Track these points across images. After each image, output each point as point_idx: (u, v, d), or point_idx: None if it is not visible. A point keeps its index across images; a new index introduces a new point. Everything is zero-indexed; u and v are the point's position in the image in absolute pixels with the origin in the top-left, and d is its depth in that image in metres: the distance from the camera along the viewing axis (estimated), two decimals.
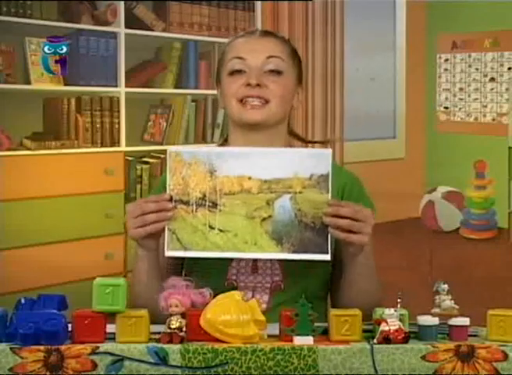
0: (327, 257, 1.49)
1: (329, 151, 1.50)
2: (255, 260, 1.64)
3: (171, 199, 1.50)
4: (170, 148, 1.53)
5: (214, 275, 1.62)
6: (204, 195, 1.50)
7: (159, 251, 1.56)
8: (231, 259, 1.64)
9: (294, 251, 1.50)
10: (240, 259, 1.64)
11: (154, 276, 1.57)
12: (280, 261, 1.63)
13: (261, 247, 1.50)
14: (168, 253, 1.51)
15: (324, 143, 1.95)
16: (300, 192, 1.49)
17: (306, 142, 1.91)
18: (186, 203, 1.50)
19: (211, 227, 1.50)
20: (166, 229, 1.51)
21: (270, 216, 1.50)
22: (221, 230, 1.50)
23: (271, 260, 1.64)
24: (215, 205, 1.50)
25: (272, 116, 1.68)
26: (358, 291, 1.61)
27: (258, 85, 1.65)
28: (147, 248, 1.55)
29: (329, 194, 1.49)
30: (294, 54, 1.75)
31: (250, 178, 1.50)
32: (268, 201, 1.50)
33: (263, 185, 1.49)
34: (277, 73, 1.68)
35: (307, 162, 1.49)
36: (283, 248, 1.50)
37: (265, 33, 1.75)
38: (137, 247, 1.57)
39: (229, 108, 1.70)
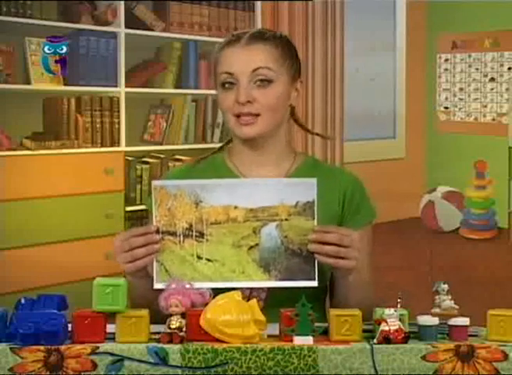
0: (314, 283, 1.49)
1: (314, 180, 1.49)
2: None
3: (157, 231, 1.50)
4: (154, 182, 1.52)
5: None
6: (191, 226, 1.50)
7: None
8: None
9: (281, 279, 1.50)
10: None
11: (153, 297, 1.57)
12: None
13: (248, 275, 1.50)
14: (157, 285, 1.50)
15: (324, 138, 1.95)
16: (286, 219, 1.49)
17: (308, 132, 1.91)
18: (173, 234, 1.50)
19: (199, 257, 1.50)
20: (154, 261, 1.50)
21: (257, 244, 1.50)
22: (208, 260, 1.50)
23: None
24: (201, 235, 1.50)
25: (265, 128, 1.69)
26: (352, 301, 1.61)
27: (249, 101, 1.65)
28: (138, 277, 1.55)
29: (315, 221, 1.49)
30: (286, 53, 1.72)
31: (236, 207, 1.49)
32: (254, 230, 1.50)
33: (249, 213, 1.49)
34: (267, 82, 1.67)
35: (292, 191, 1.49)
36: (271, 276, 1.50)
37: (252, 39, 1.70)
38: (128, 276, 1.57)
39: (227, 122, 1.72)
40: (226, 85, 1.68)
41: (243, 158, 1.76)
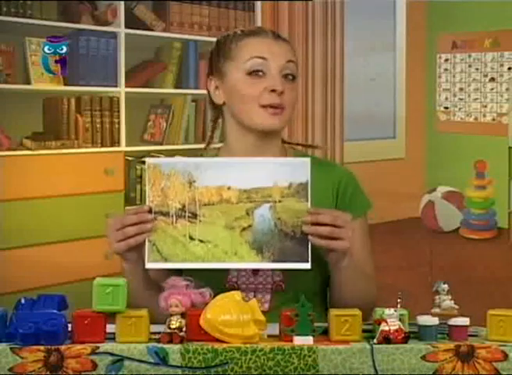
0: (307, 265, 1.49)
1: (308, 159, 1.49)
2: None
3: (150, 211, 1.50)
4: (148, 160, 1.52)
5: (214, 277, 1.61)
6: (184, 206, 1.50)
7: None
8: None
9: (274, 260, 1.50)
10: None
11: (146, 288, 1.56)
12: None
13: (241, 257, 1.50)
14: (148, 265, 1.51)
15: (308, 147, 1.94)
16: (279, 201, 1.49)
17: (291, 144, 1.90)
18: (166, 214, 1.50)
19: (191, 238, 1.50)
20: (146, 240, 1.50)
21: (250, 226, 1.50)
22: (201, 241, 1.50)
23: None
24: (194, 215, 1.50)
25: (285, 123, 1.69)
26: (350, 293, 1.60)
27: (282, 92, 1.64)
28: (130, 260, 1.55)
29: (309, 203, 1.49)
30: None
31: (229, 188, 1.49)
32: (247, 211, 1.49)
33: (242, 195, 1.49)
34: (292, 78, 1.68)
35: (286, 171, 1.49)
36: (263, 258, 1.50)
37: (278, 36, 1.71)
38: (122, 261, 1.57)
39: (246, 112, 1.67)
40: (255, 73, 1.65)
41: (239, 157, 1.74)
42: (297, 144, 1.91)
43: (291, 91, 1.67)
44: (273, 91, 1.63)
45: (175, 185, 1.50)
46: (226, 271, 1.65)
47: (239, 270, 1.64)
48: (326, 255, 1.55)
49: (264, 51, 1.66)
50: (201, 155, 1.78)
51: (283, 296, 1.63)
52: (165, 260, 1.50)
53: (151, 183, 1.50)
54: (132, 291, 1.49)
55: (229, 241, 1.50)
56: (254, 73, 1.65)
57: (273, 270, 1.64)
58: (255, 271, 1.65)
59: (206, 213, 1.50)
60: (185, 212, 1.50)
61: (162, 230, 1.50)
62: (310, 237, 1.49)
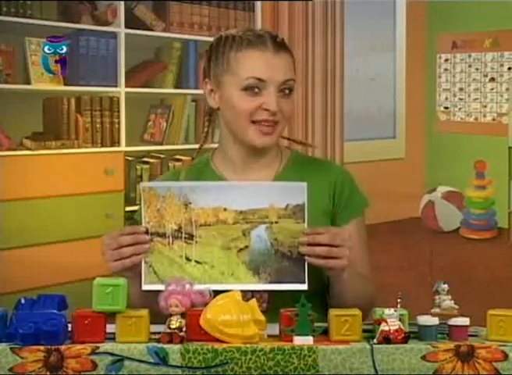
0: (304, 286, 1.49)
1: (304, 184, 1.48)
2: None
3: (147, 232, 1.49)
4: (142, 184, 1.52)
5: None
6: (180, 227, 1.49)
7: None
8: None
9: (271, 281, 1.50)
10: None
11: (146, 296, 1.56)
12: None
13: (237, 278, 1.49)
14: (145, 287, 1.50)
15: (306, 145, 1.93)
16: (276, 222, 1.48)
17: (291, 140, 1.90)
18: (163, 235, 1.49)
19: (188, 259, 1.49)
20: (143, 262, 1.49)
21: (246, 247, 1.49)
22: (197, 262, 1.49)
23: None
24: (191, 236, 1.49)
25: (278, 136, 1.69)
26: (350, 298, 1.60)
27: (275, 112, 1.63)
28: (127, 277, 1.54)
29: (305, 224, 1.48)
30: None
31: (225, 209, 1.49)
32: (244, 232, 1.49)
33: (239, 216, 1.48)
34: (289, 91, 1.66)
35: (282, 193, 1.48)
36: (260, 279, 1.49)
37: (279, 47, 1.67)
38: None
39: (238, 128, 1.66)
40: (250, 89, 1.63)
41: (234, 164, 1.73)
42: (294, 141, 1.90)
43: (286, 104, 1.65)
44: (267, 109, 1.63)
45: (171, 206, 1.49)
46: None
47: None
48: (325, 271, 1.55)
49: (262, 71, 1.63)
50: (193, 158, 1.79)
51: (282, 296, 1.63)
52: (162, 282, 1.46)
53: (147, 205, 1.49)
54: (132, 300, 1.49)
55: (226, 262, 1.49)
56: (250, 89, 1.64)
57: None
58: None
59: (202, 234, 1.49)
60: (181, 233, 1.49)
61: (159, 251, 1.49)
62: (307, 257, 1.48)
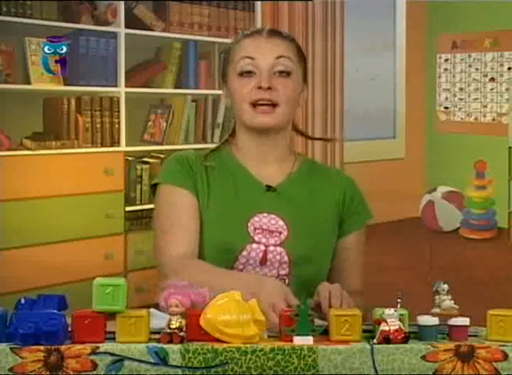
0: None
1: None
2: (265, 252, 1.65)
3: None
4: None
5: (223, 263, 1.64)
6: None
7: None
8: (242, 249, 1.66)
9: None
10: (251, 250, 1.66)
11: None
12: (289, 256, 1.66)
13: None
14: None
15: (326, 140, 1.96)
16: None
17: (309, 138, 1.94)
18: None
19: None
20: None
21: None
22: None
23: (280, 253, 1.66)
24: None
25: (282, 119, 1.70)
26: None
27: (269, 88, 1.66)
28: None
29: None
30: (300, 52, 1.76)
31: None
32: None
33: None
34: (286, 74, 1.69)
35: None
36: None
37: (273, 33, 1.74)
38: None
39: (240, 111, 1.71)
40: (245, 73, 1.68)
41: (250, 154, 1.76)
42: (312, 139, 1.95)
43: (285, 86, 1.68)
44: (260, 87, 1.66)
45: None
46: (236, 257, 1.67)
47: (248, 258, 1.66)
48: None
49: (252, 51, 1.69)
50: (211, 153, 1.78)
51: (300, 271, 1.66)
52: None
53: None
54: None
55: None
56: (244, 73, 1.69)
57: (280, 263, 1.66)
58: (263, 262, 1.66)
59: None
60: None
61: None
62: None
